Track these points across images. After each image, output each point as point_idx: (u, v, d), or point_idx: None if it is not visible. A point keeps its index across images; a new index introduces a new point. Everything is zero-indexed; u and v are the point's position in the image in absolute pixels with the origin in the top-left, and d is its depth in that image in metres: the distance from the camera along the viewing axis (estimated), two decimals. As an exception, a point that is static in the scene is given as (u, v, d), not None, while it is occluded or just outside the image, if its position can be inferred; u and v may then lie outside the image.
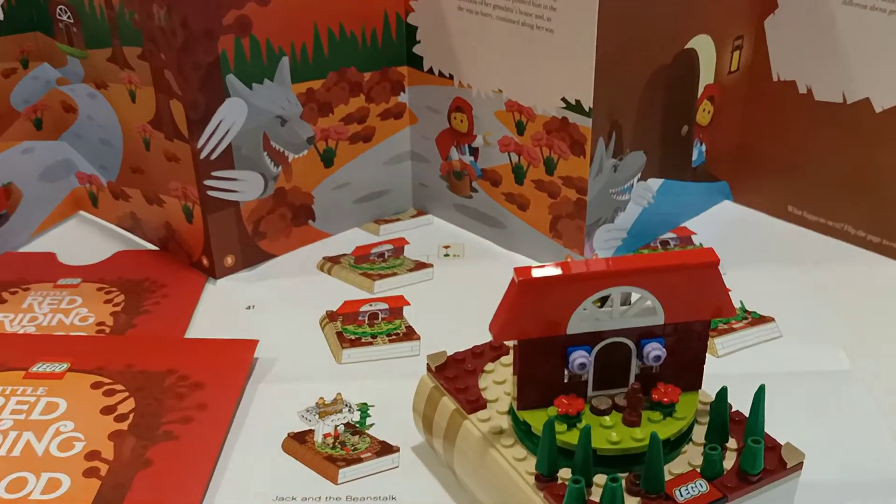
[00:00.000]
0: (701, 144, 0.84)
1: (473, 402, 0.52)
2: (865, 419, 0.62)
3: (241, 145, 0.75)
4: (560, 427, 0.48)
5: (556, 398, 0.49)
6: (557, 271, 0.46)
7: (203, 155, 0.73)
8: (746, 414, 0.49)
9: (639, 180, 0.79)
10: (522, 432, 0.50)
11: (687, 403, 0.50)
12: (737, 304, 0.72)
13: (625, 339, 0.49)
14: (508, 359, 0.56)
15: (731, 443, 0.49)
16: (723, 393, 0.49)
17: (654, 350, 0.49)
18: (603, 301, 0.48)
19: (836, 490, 0.55)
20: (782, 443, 0.49)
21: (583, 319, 0.48)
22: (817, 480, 0.53)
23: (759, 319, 0.72)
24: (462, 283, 0.77)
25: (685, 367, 0.51)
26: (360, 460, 0.59)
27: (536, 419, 0.49)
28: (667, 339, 0.49)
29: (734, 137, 0.87)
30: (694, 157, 0.84)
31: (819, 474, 0.53)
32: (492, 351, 0.57)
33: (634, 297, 0.48)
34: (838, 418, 0.61)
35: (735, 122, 0.86)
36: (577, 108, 0.72)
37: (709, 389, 0.52)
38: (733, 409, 0.51)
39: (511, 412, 0.51)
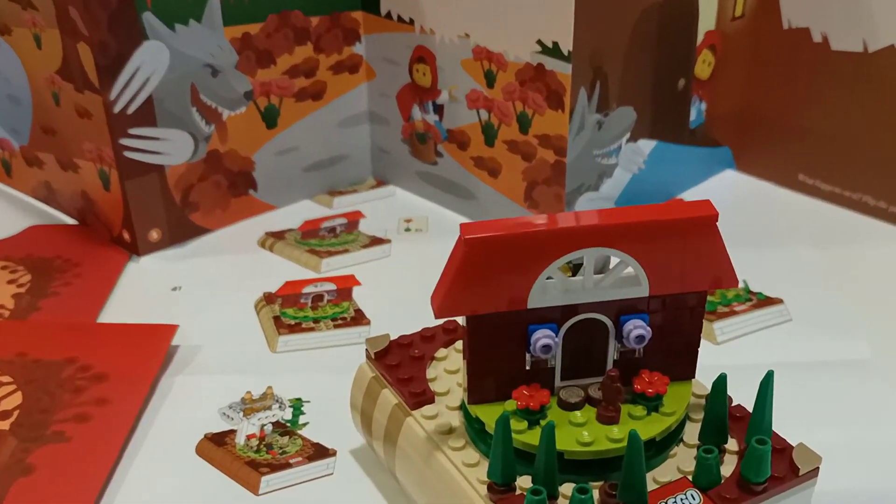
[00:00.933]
0: (700, 102, 0.80)
1: (418, 396, 0.47)
2: (888, 417, 0.57)
3: (164, 98, 0.69)
4: (519, 425, 0.42)
5: (516, 389, 0.43)
6: (516, 228, 0.40)
7: (118, 108, 0.67)
8: (750, 409, 0.44)
9: (627, 141, 0.75)
10: (475, 432, 0.44)
11: (677, 396, 0.44)
12: (740, 284, 0.68)
13: (600, 315, 0.43)
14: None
15: (731, 444, 0.44)
16: (721, 382, 0.43)
17: (637, 329, 0.43)
18: (575, 268, 0.43)
19: (855, 500, 0.51)
20: (793, 444, 0.44)
21: (548, 290, 0.41)
22: (834, 489, 0.48)
23: (766, 301, 0.67)
24: (423, 261, 0.71)
25: (675, 351, 0.45)
26: (287, 466, 0.53)
27: (490, 415, 0.43)
28: (652, 316, 0.43)
29: (738, 94, 0.83)
30: (692, 117, 0.80)
31: (836, 482, 0.47)
32: (445, 334, 0.51)
33: (613, 262, 0.42)
34: (857, 416, 0.57)
35: (739, 76, 0.81)
36: (554, 51, 0.66)
37: (705, 381, 0.46)
38: (734, 403, 0.46)
39: (463, 408, 0.45)
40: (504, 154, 0.73)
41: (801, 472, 0.42)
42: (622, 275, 0.42)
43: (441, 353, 0.50)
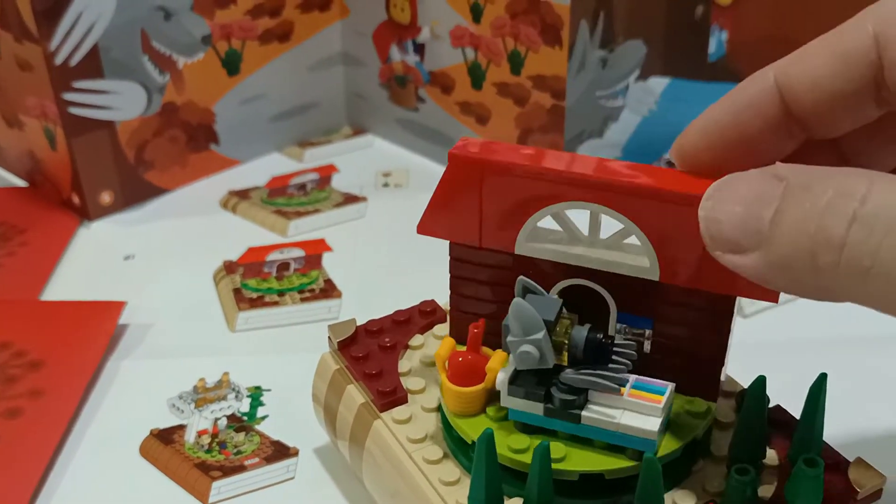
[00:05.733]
0: (720, 31, 0.78)
1: (387, 395, 0.43)
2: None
3: (112, 46, 0.66)
4: (518, 441, 0.37)
5: None
6: (513, 156, 0.37)
7: (59, 59, 0.64)
8: (791, 410, 0.40)
9: (636, 80, 0.72)
10: (454, 441, 0.40)
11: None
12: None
13: (598, 286, 0.39)
14: (443, 328, 0.46)
15: (770, 457, 0.39)
16: (758, 387, 0.37)
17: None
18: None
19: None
20: (848, 456, 0.39)
21: (539, 238, 0.39)
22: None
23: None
24: (402, 221, 0.67)
25: (691, 364, 0.39)
26: (242, 469, 0.49)
27: (475, 427, 0.38)
28: (660, 309, 0.38)
29: (766, 20, 0.79)
30: (711, 49, 0.78)
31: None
32: (422, 317, 0.47)
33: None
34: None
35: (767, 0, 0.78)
36: (548, -22, 0.62)
37: (731, 366, 0.41)
38: (771, 404, 0.41)
39: (441, 412, 0.41)
40: (493, 98, 0.71)
41: (860, 496, 0.37)
42: (626, 241, 0.37)
43: (417, 340, 0.45)
